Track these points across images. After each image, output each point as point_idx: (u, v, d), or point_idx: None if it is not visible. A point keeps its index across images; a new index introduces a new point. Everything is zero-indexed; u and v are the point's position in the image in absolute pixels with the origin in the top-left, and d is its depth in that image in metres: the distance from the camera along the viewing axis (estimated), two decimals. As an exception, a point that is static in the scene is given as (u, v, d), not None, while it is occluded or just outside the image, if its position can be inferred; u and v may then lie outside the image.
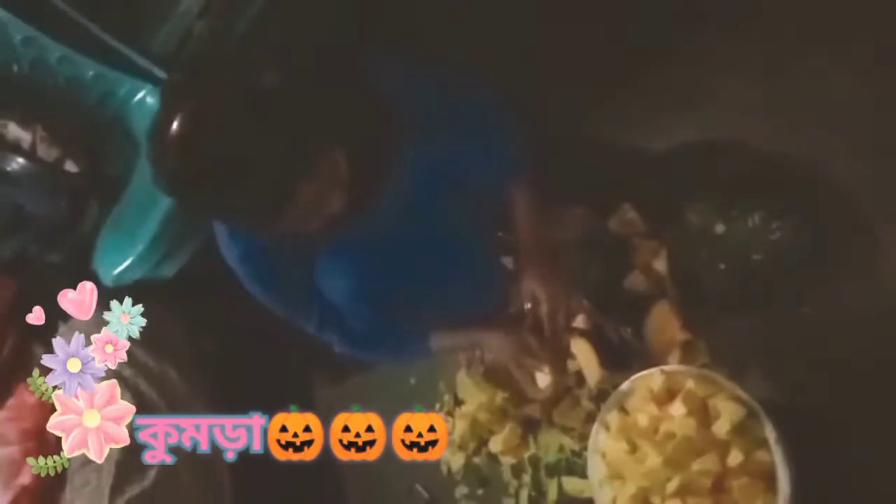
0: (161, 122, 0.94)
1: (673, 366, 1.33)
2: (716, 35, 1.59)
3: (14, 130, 1.87)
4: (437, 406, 1.70)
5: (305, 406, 1.89)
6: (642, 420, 1.27)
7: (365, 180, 1.13)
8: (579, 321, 1.46)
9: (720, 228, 1.35)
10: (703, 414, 1.24)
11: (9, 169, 1.86)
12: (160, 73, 1.70)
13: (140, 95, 1.76)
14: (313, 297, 1.30)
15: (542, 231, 1.38)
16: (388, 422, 1.76)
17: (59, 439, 1.56)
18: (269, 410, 1.90)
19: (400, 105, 1.14)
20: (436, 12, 1.89)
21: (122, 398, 1.61)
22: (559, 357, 1.45)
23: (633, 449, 1.26)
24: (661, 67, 1.63)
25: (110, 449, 1.54)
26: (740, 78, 1.55)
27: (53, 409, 1.59)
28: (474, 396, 1.61)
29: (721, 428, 1.20)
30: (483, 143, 1.27)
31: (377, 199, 1.19)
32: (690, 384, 1.25)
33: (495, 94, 1.31)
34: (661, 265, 1.47)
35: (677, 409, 1.23)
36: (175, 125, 0.92)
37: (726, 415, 1.21)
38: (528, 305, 1.35)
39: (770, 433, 1.19)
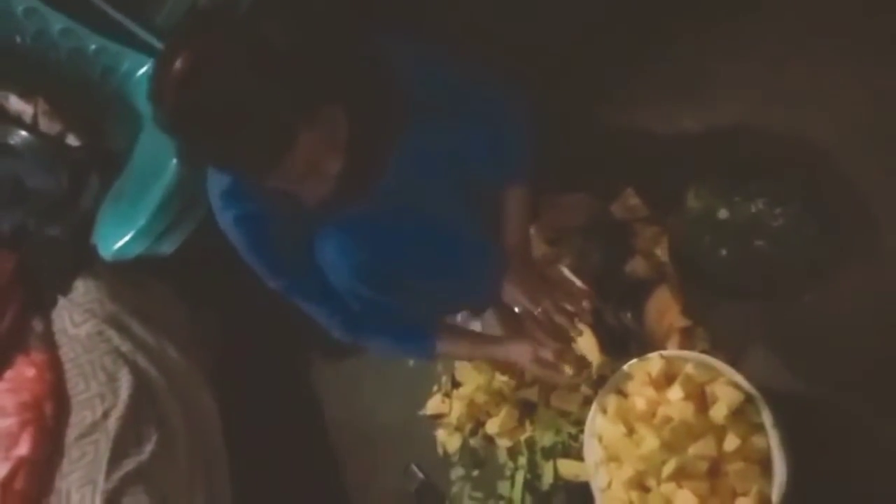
0: (164, 60, 0.95)
1: (672, 351, 1.33)
2: (719, 19, 1.59)
3: (16, 103, 1.87)
4: (435, 387, 1.71)
5: (302, 386, 1.93)
6: (640, 403, 1.27)
7: (366, 151, 1.12)
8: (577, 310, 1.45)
9: (723, 214, 1.34)
10: (700, 399, 1.24)
11: (10, 142, 1.86)
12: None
13: (143, 70, 1.74)
14: (310, 271, 1.28)
15: (527, 231, 1.40)
16: (386, 401, 1.79)
17: (56, 413, 1.60)
18: (267, 388, 1.93)
19: (407, 83, 1.13)
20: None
21: (120, 373, 1.64)
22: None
23: (630, 432, 1.26)
24: (664, 52, 1.63)
25: (108, 424, 1.58)
26: (744, 63, 1.55)
27: (52, 383, 1.62)
28: (472, 378, 1.61)
29: (718, 413, 1.20)
30: (488, 131, 1.26)
31: (378, 174, 1.18)
32: (689, 369, 1.26)
33: (505, 80, 1.30)
34: (662, 251, 1.47)
35: (675, 393, 1.23)
36: (178, 62, 0.93)
37: (724, 400, 1.21)
38: (518, 309, 1.39)
39: (767, 419, 1.20)
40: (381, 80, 1.12)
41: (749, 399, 1.21)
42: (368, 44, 1.13)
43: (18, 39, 1.73)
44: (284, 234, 1.22)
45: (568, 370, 1.33)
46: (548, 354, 1.30)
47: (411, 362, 1.77)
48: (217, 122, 0.94)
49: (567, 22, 1.74)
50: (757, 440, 1.19)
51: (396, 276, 1.30)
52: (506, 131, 1.28)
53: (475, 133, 1.25)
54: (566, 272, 1.47)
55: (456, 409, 1.63)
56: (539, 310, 1.32)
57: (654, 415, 1.26)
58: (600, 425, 1.32)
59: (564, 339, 1.34)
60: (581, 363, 1.38)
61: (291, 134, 0.97)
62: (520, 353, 1.32)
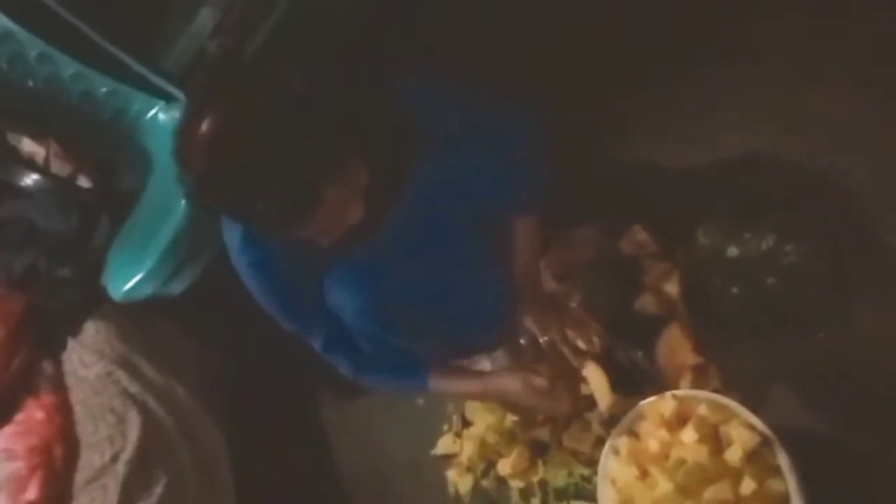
0: (189, 122, 0.93)
1: (685, 390, 1.31)
2: (731, 54, 1.59)
3: (28, 145, 1.89)
4: (446, 427, 1.69)
5: (312, 425, 1.91)
6: (653, 446, 1.25)
7: (380, 192, 1.11)
8: (587, 344, 1.44)
9: (733, 251, 1.33)
10: (714, 440, 1.22)
11: (22, 184, 1.87)
12: (173, 91, 1.71)
13: (152, 112, 1.76)
14: (322, 312, 1.28)
15: (537, 262, 1.41)
16: (396, 440, 1.77)
17: (66, 456, 1.59)
18: (277, 427, 1.91)
19: (416, 121, 1.13)
20: (451, 30, 1.91)
21: (129, 414, 1.63)
22: (573, 380, 1.44)
23: (644, 475, 1.24)
24: (674, 87, 1.63)
25: (116, 467, 1.57)
26: (751, 96, 1.55)
27: (61, 426, 1.62)
28: (483, 418, 1.59)
29: (733, 455, 1.18)
30: (498, 161, 1.26)
31: (390, 212, 1.18)
32: (702, 410, 1.24)
33: (516, 110, 1.30)
34: (672, 287, 1.46)
35: (689, 435, 1.21)
36: (205, 125, 0.91)
37: (739, 442, 1.19)
38: (523, 340, 1.40)
39: (784, 461, 1.17)
40: (396, 120, 1.12)
41: (765, 441, 1.19)
42: (382, 84, 1.13)
43: (31, 83, 1.75)
44: (298, 277, 1.22)
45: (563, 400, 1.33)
46: (540, 382, 1.30)
47: (421, 401, 1.75)
48: (248, 184, 0.93)
49: (573, 56, 1.74)
50: (774, 483, 1.17)
51: (406, 315, 1.29)
52: (516, 161, 1.28)
53: (485, 164, 1.24)
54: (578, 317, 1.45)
55: (467, 449, 1.61)
56: (545, 338, 1.34)
57: (667, 457, 1.23)
58: (613, 467, 1.29)
59: (565, 369, 1.34)
60: (576, 393, 1.38)
61: (318, 191, 0.96)
62: (511, 382, 1.32)
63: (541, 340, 1.36)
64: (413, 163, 1.15)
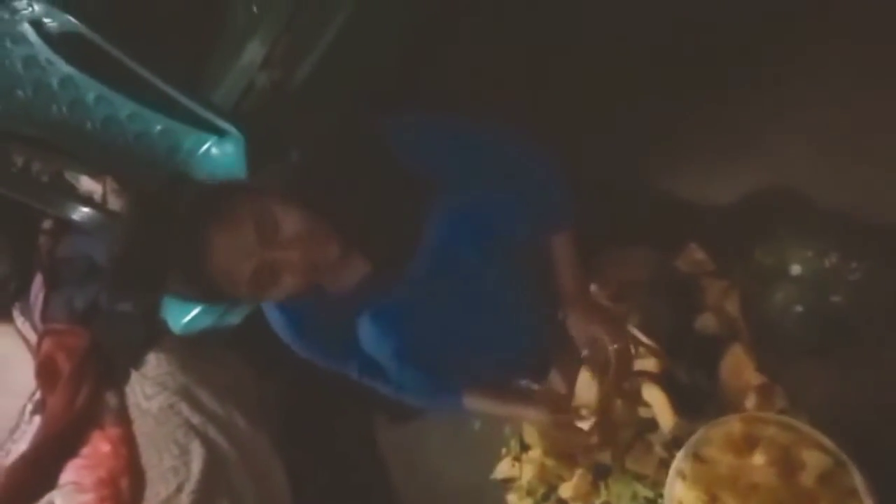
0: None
1: (751, 412, 1.29)
2: (788, 72, 1.56)
3: (86, 183, 1.94)
4: (504, 451, 1.68)
5: (370, 452, 1.92)
6: (721, 469, 1.23)
7: (390, 242, 1.14)
8: (649, 365, 1.43)
9: (796, 269, 1.31)
10: (785, 463, 1.19)
11: (81, 220, 1.93)
12: (224, 125, 1.75)
13: (205, 147, 1.81)
14: (352, 352, 1.26)
15: (585, 278, 1.35)
16: (454, 465, 1.77)
17: (132, 488, 1.62)
18: (334, 454, 1.93)
19: (422, 166, 1.13)
20: (484, 56, 1.92)
21: (192, 445, 1.66)
22: (630, 400, 1.42)
23: (713, 500, 1.22)
24: (720, 104, 1.60)
25: (181, 498, 1.60)
26: (812, 115, 1.51)
27: (127, 458, 1.65)
28: (540, 441, 1.58)
29: (807, 478, 1.16)
30: (516, 193, 1.23)
31: (407, 259, 1.17)
32: (771, 432, 1.21)
33: (528, 141, 1.27)
34: (732, 307, 1.43)
35: (758, 458, 1.19)
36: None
37: (811, 464, 1.16)
38: (585, 353, 1.31)
39: (860, 483, 1.14)
40: (395, 176, 1.13)
41: (838, 462, 1.16)
42: (379, 143, 1.14)
43: (89, 125, 1.81)
44: (327, 322, 1.22)
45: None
46: (562, 418, 1.26)
47: (477, 425, 1.75)
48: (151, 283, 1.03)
49: (628, 80, 1.74)
50: (851, 507, 1.14)
51: (442, 355, 1.27)
52: (531, 186, 1.25)
53: (500, 197, 1.22)
54: (636, 333, 1.44)
55: (526, 472, 1.60)
56: (617, 345, 1.26)
57: (737, 481, 1.21)
58: (680, 492, 1.27)
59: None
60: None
61: (200, 267, 1.00)
62: (535, 413, 1.28)
63: (611, 349, 1.25)
64: (420, 210, 1.15)
